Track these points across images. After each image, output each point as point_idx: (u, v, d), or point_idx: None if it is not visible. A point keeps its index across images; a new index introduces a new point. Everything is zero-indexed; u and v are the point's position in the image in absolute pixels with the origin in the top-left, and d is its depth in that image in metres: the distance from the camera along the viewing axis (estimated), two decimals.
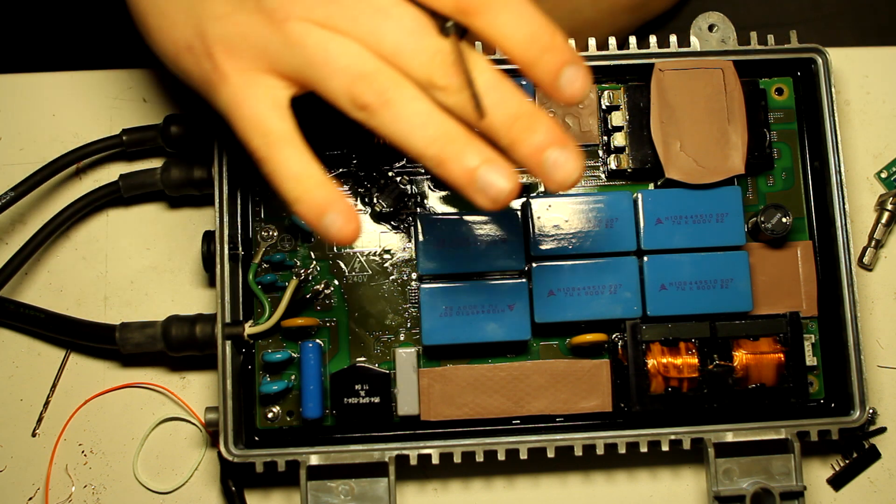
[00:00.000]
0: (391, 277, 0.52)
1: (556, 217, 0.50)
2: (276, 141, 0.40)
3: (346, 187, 0.52)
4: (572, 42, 0.52)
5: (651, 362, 0.49)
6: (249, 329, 0.49)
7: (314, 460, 0.48)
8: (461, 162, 0.38)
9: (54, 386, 0.53)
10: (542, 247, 0.50)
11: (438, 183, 0.52)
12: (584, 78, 0.39)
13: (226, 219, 0.49)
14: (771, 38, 0.52)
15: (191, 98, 0.46)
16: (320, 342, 0.50)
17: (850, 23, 0.71)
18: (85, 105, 0.56)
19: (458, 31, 0.39)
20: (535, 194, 0.52)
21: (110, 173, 0.55)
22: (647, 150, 0.51)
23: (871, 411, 0.53)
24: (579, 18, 0.70)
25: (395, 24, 0.39)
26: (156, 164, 0.54)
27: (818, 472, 0.53)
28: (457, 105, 0.39)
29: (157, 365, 0.53)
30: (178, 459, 0.53)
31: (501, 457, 0.49)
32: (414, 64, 0.39)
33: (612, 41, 0.52)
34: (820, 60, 0.52)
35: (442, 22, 0.39)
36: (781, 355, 0.50)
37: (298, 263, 0.51)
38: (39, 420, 0.53)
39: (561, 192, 0.52)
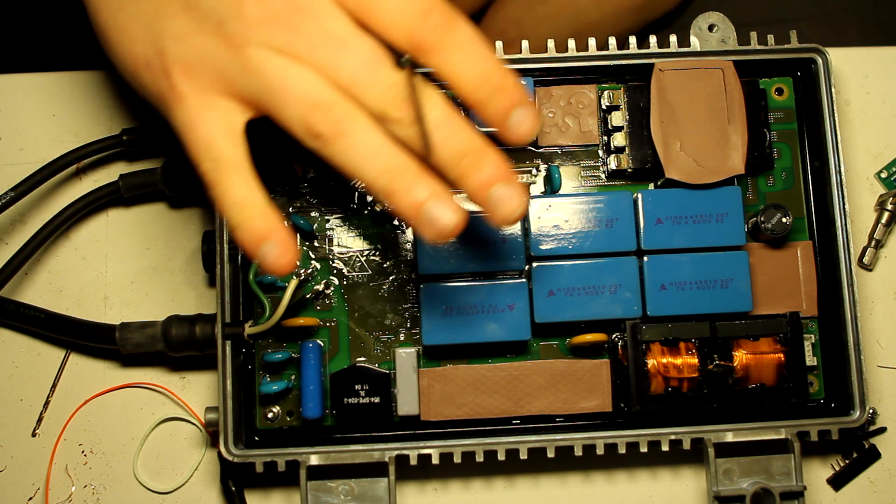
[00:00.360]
0: (391, 277, 0.52)
1: (556, 217, 0.50)
2: (225, 166, 0.41)
3: (345, 187, 0.52)
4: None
5: (651, 362, 0.49)
6: (249, 329, 0.49)
7: (314, 460, 0.48)
8: (409, 195, 0.40)
9: (54, 386, 0.53)
10: (542, 247, 0.50)
11: None
12: (533, 119, 0.40)
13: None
14: (771, 38, 0.52)
15: None
16: (320, 342, 0.50)
17: (854, 20, 0.71)
18: (85, 105, 0.56)
19: (413, 65, 0.40)
20: (535, 195, 0.52)
21: (110, 173, 0.55)
22: (647, 150, 0.51)
23: (871, 411, 0.53)
24: (584, 20, 0.70)
25: (353, 55, 0.39)
26: (156, 164, 0.54)
27: (818, 472, 0.53)
28: (409, 137, 0.40)
29: (157, 365, 0.53)
30: (178, 459, 0.53)
31: (501, 457, 0.49)
32: (368, 95, 0.40)
33: (613, 41, 0.52)
34: (820, 60, 0.52)
35: (398, 56, 0.40)
36: (781, 355, 0.50)
37: (298, 263, 0.51)
38: (39, 420, 0.53)
39: (562, 193, 0.52)
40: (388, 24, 0.39)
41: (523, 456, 0.49)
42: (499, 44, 0.51)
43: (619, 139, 0.52)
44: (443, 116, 0.40)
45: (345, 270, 0.52)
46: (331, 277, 0.51)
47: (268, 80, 0.40)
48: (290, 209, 0.52)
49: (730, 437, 0.49)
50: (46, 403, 0.53)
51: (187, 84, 0.41)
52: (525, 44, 0.52)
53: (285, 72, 0.40)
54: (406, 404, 0.50)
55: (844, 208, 0.51)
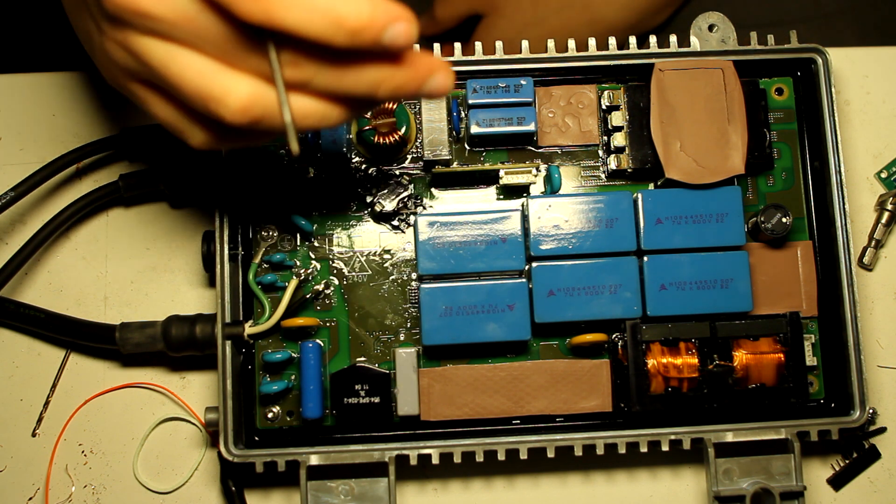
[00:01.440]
0: (391, 277, 0.52)
1: (556, 217, 0.50)
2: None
3: (346, 187, 0.52)
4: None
5: (651, 362, 0.49)
6: (249, 329, 0.49)
7: (314, 460, 0.48)
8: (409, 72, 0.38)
9: (54, 386, 0.53)
10: (542, 247, 0.50)
11: (440, 183, 0.52)
12: (406, 31, 0.36)
13: (226, 219, 0.49)
14: (771, 38, 0.52)
15: None
16: (320, 342, 0.50)
17: (851, 21, 0.71)
18: (85, 105, 0.56)
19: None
20: (535, 195, 0.52)
21: (110, 173, 0.55)
22: (647, 150, 0.51)
23: (871, 411, 0.53)
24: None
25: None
26: (156, 164, 0.54)
27: (818, 472, 0.53)
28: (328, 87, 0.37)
29: (157, 365, 0.53)
30: (178, 459, 0.53)
31: (501, 457, 0.49)
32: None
33: (612, 41, 0.52)
34: (820, 60, 0.52)
35: None
36: (781, 355, 0.50)
37: (298, 263, 0.51)
38: (39, 420, 0.53)
39: (562, 193, 0.52)
40: None
41: (523, 456, 0.49)
42: (499, 44, 0.51)
43: (619, 139, 0.52)
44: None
45: (345, 270, 0.52)
46: (331, 277, 0.51)
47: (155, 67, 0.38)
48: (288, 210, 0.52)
49: (730, 437, 0.49)
50: (46, 403, 0.53)
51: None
52: (525, 44, 0.52)
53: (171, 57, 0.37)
54: (406, 404, 0.50)
55: (844, 208, 0.51)
